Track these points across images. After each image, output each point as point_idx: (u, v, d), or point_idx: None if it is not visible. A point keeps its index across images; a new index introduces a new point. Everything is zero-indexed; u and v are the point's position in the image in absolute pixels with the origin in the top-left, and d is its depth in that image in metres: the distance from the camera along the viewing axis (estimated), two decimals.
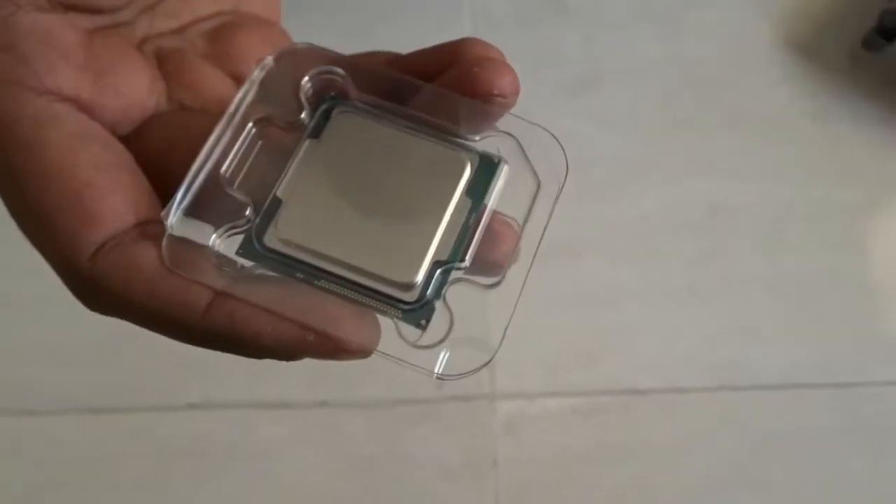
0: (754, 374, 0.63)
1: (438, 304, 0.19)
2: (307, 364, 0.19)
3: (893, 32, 0.69)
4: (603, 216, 0.67)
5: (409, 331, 0.19)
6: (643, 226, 0.67)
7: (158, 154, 0.20)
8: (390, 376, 0.61)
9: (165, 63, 0.21)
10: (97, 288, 0.18)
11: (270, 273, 0.19)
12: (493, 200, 0.20)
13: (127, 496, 0.60)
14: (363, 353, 0.18)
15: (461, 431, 0.61)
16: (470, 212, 0.20)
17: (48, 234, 0.18)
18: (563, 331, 0.64)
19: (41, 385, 0.61)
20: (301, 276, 0.19)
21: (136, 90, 0.20)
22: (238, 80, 0.22)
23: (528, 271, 0.19)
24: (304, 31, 0.23)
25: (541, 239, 0.20)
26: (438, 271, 0.19)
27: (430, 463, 0.61)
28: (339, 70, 0.21)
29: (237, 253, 0.19)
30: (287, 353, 0.18)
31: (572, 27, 0.73)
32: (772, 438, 0.62)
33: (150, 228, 0.19)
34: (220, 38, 0.23)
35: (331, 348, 0.18)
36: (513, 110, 0.20)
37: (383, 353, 0.19)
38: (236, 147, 0.20)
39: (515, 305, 0.19)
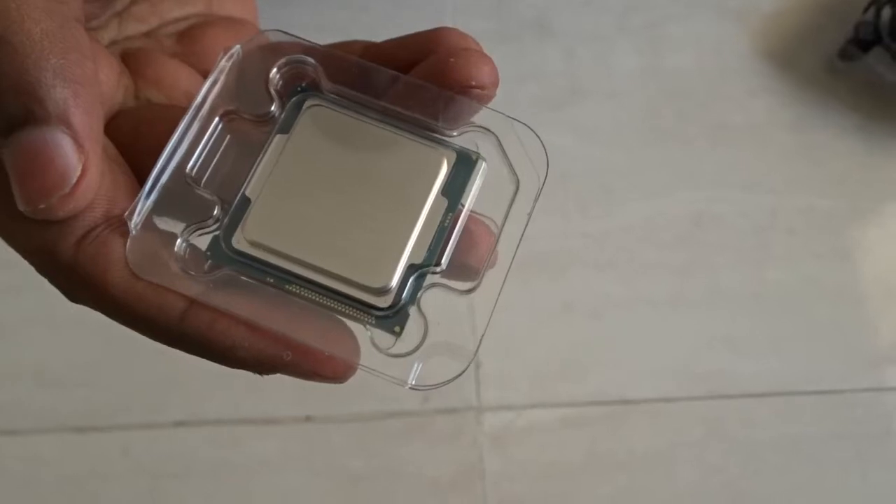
0: (741, 382, 0.63)
1: (413, 310, 0.18)
2: (293, 379, 0.19)
3: (869, 43, 0.69)
4: (587, 228, 0.67)
5: (383, 338, 0.18)
6: (627, 237, 0.67)
7: (125, 149, 0.19)
8: (376, 390, 0.60)
9: (130, 60, 0.21)
10: (76, 276, 0.17)
11: (238, 276, 0.18)
12: (470, 200, 0.19)
13: None
14: (337, 379, 0.18)
15: (448, 445, 0.61)
16: (446, 212, 0.19)
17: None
18: (548, 342, 0.63)
19: (25, 404, 0.60)
20: (271, 280, 0.18)
21: (103, 83, 0.19)
22: (207, 76, 0.21)
23: (506, 275, 0.18)
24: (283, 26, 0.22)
25: (519, 241, 0.19)
26: (413, 275, 0.18)
27: (417, 477, 0.60)
28: (310, 60, 0.20)
29: (205, 255, 0.18)
30: (262, 367, 0.18)
31: (553, 42, 0.73)
32: (760, 446, 0.62)
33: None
34: (190, 37, 0.22)
35: (306, 370, 0.18)
36: (492, 104, 0.19)
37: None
38: (203, 142, 0.19)
39: (492, 311, 0.18)
